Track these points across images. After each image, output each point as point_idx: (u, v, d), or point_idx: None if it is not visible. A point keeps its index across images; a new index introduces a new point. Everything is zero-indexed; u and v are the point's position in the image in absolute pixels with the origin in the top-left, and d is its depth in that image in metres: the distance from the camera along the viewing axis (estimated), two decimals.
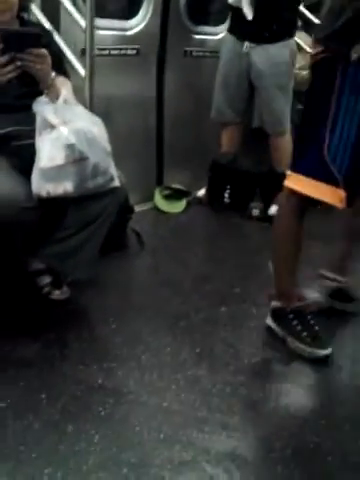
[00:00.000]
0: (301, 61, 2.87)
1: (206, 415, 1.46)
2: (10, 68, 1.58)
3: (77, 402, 1.47)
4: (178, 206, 2.84)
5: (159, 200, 2.82)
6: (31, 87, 1.71)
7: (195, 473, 1.28)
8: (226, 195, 2.86)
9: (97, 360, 1.64)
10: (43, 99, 1.68)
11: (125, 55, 2.65)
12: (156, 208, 2.80)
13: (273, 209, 2.67)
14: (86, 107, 2.03)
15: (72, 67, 2.15)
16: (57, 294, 1.93)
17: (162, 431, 1.39)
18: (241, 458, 1.33)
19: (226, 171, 2.84)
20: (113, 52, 2.60)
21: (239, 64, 2.71)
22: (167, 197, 2.85)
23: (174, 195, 2.86)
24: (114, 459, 1.30)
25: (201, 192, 2.93)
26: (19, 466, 1.26)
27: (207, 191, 2.93)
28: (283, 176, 1.70)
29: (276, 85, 2.68)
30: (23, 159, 1.67)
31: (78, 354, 1.66)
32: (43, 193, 1.63)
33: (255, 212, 2.81)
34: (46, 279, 1.93)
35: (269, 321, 1.82)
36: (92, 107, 2.14)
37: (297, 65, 2.81)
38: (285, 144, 2.72)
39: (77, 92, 1.95)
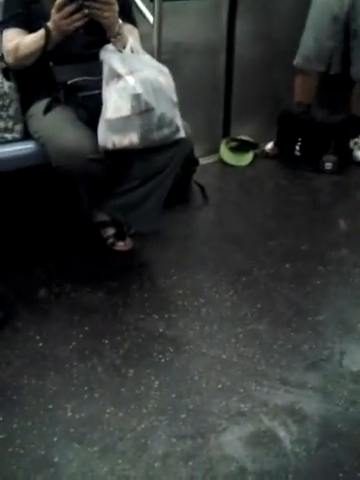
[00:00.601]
0: None
1: (265, 369, 1.46)
2: (77, 16, 1.57)
3: (138, 349, 1.52)
4: (245, 159, 2.75)
5: (225, 152, 2.75)
6: (98, 36, 1.68)
7: (252, 424, 1.30)
8: (297, 148, 2.72)
9: (158, 310, 1.67)
10: (110, 47, 1.65)
11: None
12: (222, 161, 2.73)
13: None
14: (154, 55, 1.98)
15: (140, 14, 2.09)
16: (120, 245, 1.97)
17: (220, 382, 1.41)
18: (299, 414, 1.32)
19: (298, 122, 2.69)
20: None
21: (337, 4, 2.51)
22: (234, 149, 2.76)
23: (241, 147, 2.77)
24: (173, 404, 1.34)
25: (269, 145, 2.83)
26: (83, 404, 1.34)
27: (276, 144, 2.81)
28: None
29: None
30: (90, 110, 1.67)
31: (140, 303, 1.70)
32: (109, 145, 1.63)
33: (328, 165, 2.66)
34: (110, 231, 1.97)
35: None
36: (160, 55, 2.09)
37: None
38: None
39: (145, 40, 1.91)
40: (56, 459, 1.20)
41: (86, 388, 1.38)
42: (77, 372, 1.43)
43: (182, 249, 2.02)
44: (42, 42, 1.62)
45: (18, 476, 1.17)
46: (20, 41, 1.66)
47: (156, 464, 1.20)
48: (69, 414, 1.31)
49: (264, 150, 2.81)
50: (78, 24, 1.60)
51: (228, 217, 2.26)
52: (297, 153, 2.73)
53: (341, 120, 2.66)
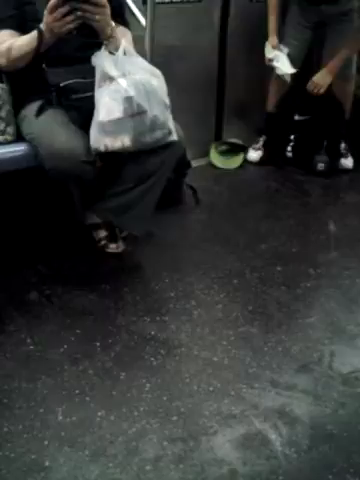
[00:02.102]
0: None
1: (256, 372, 1.46)
2: (70, 19, 1.56)
3: (130, 351, 1.52)
4: (235, 161, 2.77)
5: (215, 156, 2.76)
6: (91, 38, 1.68)
7: (243, 426, 1.30)
8: (289, 148, 2.73)
9: (150, 312, 1.67)
10: (103, 51, 1.65)
11: (188, 2, 2.54)
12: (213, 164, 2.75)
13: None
14: (146, 58, 1.98)
15: (133, 16, 2.10)
16: (112, 248, 1.97)
17: (212, 384, 1.42)
18: (290, 416, 1.33)
19: (289, 121, 2.69)
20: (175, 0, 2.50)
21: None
22: (224, 152, 2.78)
23: (231, 150, 2.79)
24: (164, 407, 1.35)
25: (255, 152, 2.82)
26: (74, 408, 1.33)
27: (264, 145, 2.82)
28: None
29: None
30: (82, 112, 1.67)
31: (132, 306, 1.70)
32: (101, 147, 1.63)
33: (320, 166, 2.66)
34: (102, 233, 1.97)
35: None
36: (152, 58, 2.09)
37: None
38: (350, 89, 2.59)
39: (137, 42, 1.91)
40: (47, 463, 1.20)
41: (77, 391, 1.38)
42: (68, 375, 1.43)
43: (174, 252, 2.02)
44: (35, 44, 1.62)
45: None
46: (12, 43, 1.66)
47: (147, 467, 1.20)
48: (60, 417, 1.31)
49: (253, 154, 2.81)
50: (71, 26, 1.59)
51: (220, 220, 2.27)
52: (289, 154, 2.74)
53: (334, 118, 2.66)
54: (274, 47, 2.60)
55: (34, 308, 1.67)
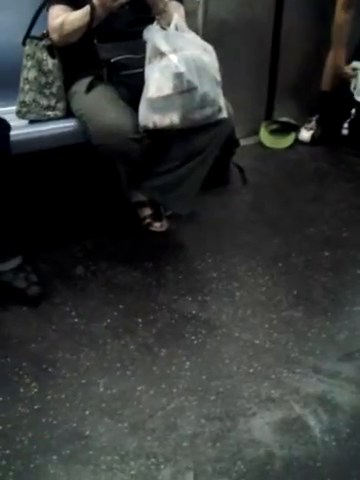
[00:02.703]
0: None
1: (298, 357, 1.44)
2: None
3: (171, 329, 1.53)
4: (285, 141, 2.69)
5: (265, 135, 2.69)
6: (144, 13, 1.67)
7: (282, 410, 1.29)
8: (345, 126, 2.61)
9: (192, 292, 1.67)
10: (154, 26, 1.63)
11: None
12: (262, 143, 2.69)
13: None
14: (198, 33, 1.94)
15: None
16: (157, 226, 1.97)
17: (252, 366, 1.41)
18: (331, 403, 1.31)
19: (346, 99, 2.57)
20: None
21: None
22: (274, 132, 2.71)
23: (282, 129, 2.71)
24: (203, 386, 1.35)
25: (308, 130, 2.73)
26: (115, 380, 1.36)
27: (318, 125, 2.72)
28: None
29: None
30: (132, 89, 1.66)
31: (174, 284, 1.71)
32: (150, 124, 1.62)
33: None
34: (147, 211, 1.98)
35: None
36: (205, 33, 2.05)
37: None
38: None
39: (190, 17, 1.88)
40: (87, 432, 1.24)
41: (118, 365, 1.41)
42: (110, 349, 1.46)
43: (218, 232, 2.00)
44: (87, 19, 1.62)
45: (51, 445, 1.21)
46: (65, 18, 1.66)
47: (184, 443, 1.21)
48: (101, 389, 1.34)
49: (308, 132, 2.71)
50: (123, 1, 1.58)
51: (267, 201, 2.22)
52: (344, 131, 2.61)
53: None
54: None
55: (79, 282, 1.71)
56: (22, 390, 1.33)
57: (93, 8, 1.61)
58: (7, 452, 1.19)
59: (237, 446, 1.21)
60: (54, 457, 1.18)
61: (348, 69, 2.48)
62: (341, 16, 2.45)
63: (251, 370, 1.40)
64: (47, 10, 1.71)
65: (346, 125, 2.61)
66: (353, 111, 2.58)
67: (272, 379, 1.37)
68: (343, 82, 2.56)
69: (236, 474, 1.15)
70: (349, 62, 2.49)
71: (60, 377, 1.37)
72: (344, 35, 2.48)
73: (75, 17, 1.65)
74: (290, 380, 1.37)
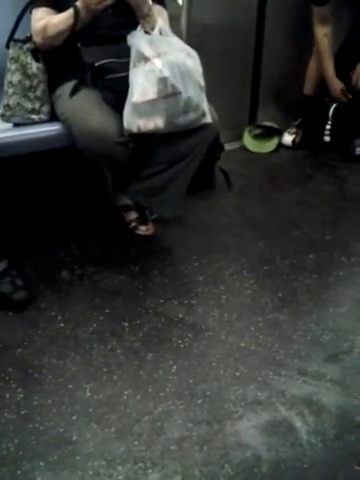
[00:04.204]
0: None
1: (284, 359, 1.45)
2: None
3: (157, 333, 1.53)
4: (269, 145, 2.72)
5: (248, 140, 2.71)
6: (127, 17, 1.67)
7: (268, 413, 1.30)
8: (327, 132, 2.65)
9: (178, 295, 1.68)
10: (138, 31, 1.64)
11: None
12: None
13: None
14: (182, 38, 1.96)
15: None
16: (143, 230, 1.97)
17: (238, 369, 1.41)
18: (316, 405, 1.32)
19: (326, 105, 2.62)
20: None
21: None
22: (257, 136, 2.73)
23: (266, 133, 2.73)
24: (190, 390, 1.35)
25: (289, 136, 2.76)
26: (102, 385, 1.36)
27: (299, 126, 2.75)
28: None
29: None
30: (116, 93, 1.66)
31: (160, 288, 1.71)
32: (134, 128, 1.62)
33: (358, 151, 2.59)
34: (133, 214, 1.98)
35: None
36: (188, 38, 2.06)
37: None
38: None
39: (173, 22, 1.88)
40: (74, 437, 1.23)
41: (105, 370, 1.40)
42: (97, 353, 1.45)
43: (204, 235, 2.01)
44: (71, 22, 1.62)
45: (37, 451, 1.19)
46: (49, 21, 1.66)
47: (172, 447, 1.21)
48: (88, 394, 1.33)
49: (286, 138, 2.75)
50: (107, 4, 1.58)
51: (251, 204, 2.24)
52: (326, 138, 2.66)
53: None
54: (341, 90, 2.53)
55: (65, 286, 1.70)
56: (8, 396, 1.32)
57: (77, 11, 1.61)
58: None
59: (224, 449, 1.21)
60: (41, 463, 1.17)
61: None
62: (318, 31, 2.51)
63: (237, 373, 1.41)
64: (30, 13, 1.71)
65: (327, 132, 2.65)
66: (329, 121, 2.61)
67: (258, 382, 1.38)
68: (325, 87, 2.61)
69: (224, 477, 1.15)
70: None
71: (46, 382, 1.36)
72: (325, 48, 2.53)
73: (59, 20, 1.65)
74: (276, 382, 1.38)
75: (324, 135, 2.65)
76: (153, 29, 1.64)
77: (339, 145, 2.64)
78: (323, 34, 2.50)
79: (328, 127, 2.63)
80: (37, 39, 1.67)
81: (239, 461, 1.18)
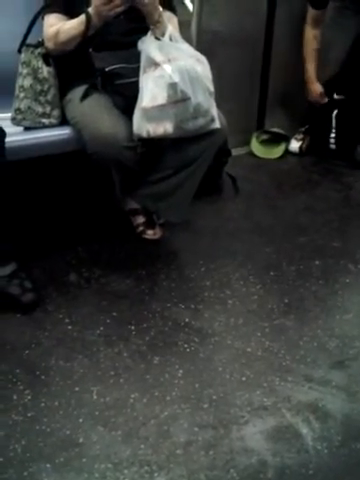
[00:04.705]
0: None
1: (290, 365, 1.45)
2: (118, 2, 1.57)
3: (164, 337, 1.53)
4: (276, 152, 2.73)
5: (256, 146, 2.72)
6: (138, 23, 1.69)
7: (274, 418, 1.30)
8: (332, 141, 2.67)
9: (185, 300, 1.68)
10: (149, 36, 1.65)
11: None
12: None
13: None
14: (192, 44, 1.97)
15: (180, 1, 2.08)
16: (150, 234, 1.98)
17: (244, 374, 1.42)
18: (322, 411, 1.32)
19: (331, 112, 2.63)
20: None
21: None
22: (265, 142, 2.74)
23: (273, 139, 2.74)
24: (196, 394, 1.36)
25: (296, 142, 2.77)
26: (108, 388, 1.36)
27: (308, 135, 2.76)
28: None
29: None
30: (126, 98, 1.67)
31: (167, 292, 1.71)
32: (143, 133, 1.63)
33: None
34: (141, 219, 1.99)
35: None
36: (198, 44, 2.08)
37: None
38: None
39: (183, 28, 1.90)
40: (81, 440, 1.23)
41: (112, 373, 1.41)
42: (104, 356, 1.46)
43: (211, 240, 2.02)
44: (82, 28, 1.63)
45: (44, 453, 1.20)
46: (61, 27, 1.68)
47: (178, 451, 1.22)
48: (95, 397, 1.34)
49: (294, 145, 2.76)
50: (119, 10, 1.60)
51: (259, 210, 2.25)
52: (332, 146, 2.67)
53: None
54: (320, 94, 2.57)
55: (73, 289, 1.71)
56: (15, 397, 1.33)
57: (89, 17, 1.62)
58: (0, 460, 1.18)
59: (230, 454, 1.21)
60: (47, 465, 1.17)
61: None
62: (309, 32, 2.54)
63: (244, 378, 1.41)
64: (42, 18, 1.73)
65: (332, 140, 2.67)
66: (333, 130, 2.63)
67: (264, 387, 1.38)
68: (330, 92, 2.62)
69: None
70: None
71: (53, 384, 1.37)
72: (311, 50, 2.56)
73: (71, 26, 1.67)
74: (282, 388, 1.38)
75: (329, 144, 2.67)
76: (163, 35, 1.65)
77: (345, 152, 2.65)
78: (313, 36, 2.54)
79: (333, 135, 2.65)
80: (49, 44, 1.69)
81: (244, 466, 1.19)
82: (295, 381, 1.40)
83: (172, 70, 1.60)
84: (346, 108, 2.62)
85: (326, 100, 2.60)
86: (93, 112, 1.68)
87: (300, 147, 2.75)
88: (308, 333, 1.57)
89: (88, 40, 1.67)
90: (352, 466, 1.20)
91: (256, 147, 2.73)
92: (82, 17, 1.64)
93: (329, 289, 1.77)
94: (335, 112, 2.64)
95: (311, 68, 2.59)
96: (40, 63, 1.70)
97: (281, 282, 1.79)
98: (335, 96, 2.65)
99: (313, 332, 1.57)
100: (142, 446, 1.23)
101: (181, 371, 1.42)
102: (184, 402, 1.33)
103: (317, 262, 1.90)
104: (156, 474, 1.16)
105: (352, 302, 1.72)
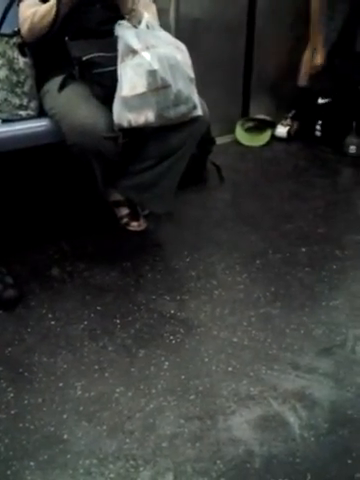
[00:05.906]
0: None
1: (276, 353, 1.44)
2: None
3: (149, 329, 1.52)
4: (261, 139, 2.70)
5: (240, 133, 2.69)
6: (114, 12, 1.65)
7: (261, 408, 1.29)
8: (318, 128, 2.65)
9: (170, 291, 1.66)
10: (126, 23, 1.62)
11: None
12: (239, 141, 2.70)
13: None
14: (171, 31, 1.93)
15: None
16: (134, 225, 1.96)
17: (231, 364, 1.41)
18: (309, 399, 1.31)
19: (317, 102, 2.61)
20: None
21: None
22: (250, 129, 2.71)
23: (258, 127, 2.71)
24: (182, 386, 1.34)
25: (283, 127, 2.75)
26: (93, 383, 1.35)
27: (295, 121, 2.74)
28: None
29: None
30: (105, 87, 1.64)
31: (152, 284, 1.70)
32: (124, 123, 1.60)
33: (352, 149, 2.58)
34: (124, 210, 1.96)
35: None
36: (178, 32, 2.04)
37: None
38: None
39: (162, 15, 1.86)
40: (65, 436, 1.22)
41: (96, 367, 1.39)
42: (88, 351, 1.44)
43: (196, 230, 2.00)
44: (54, 11, 1.59)
45: (28, 450, 1.18)
46: (34, 12, 1.64)
47: (164, 444, 1.20)
48: (79, 392, 1.32)
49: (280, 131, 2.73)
50: None
51: (244, 199, 2.22)
52: (317, 133, 2.65)
53: None
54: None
55: (56, 284, 1.69)
56: None
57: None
58: None
59: (217, 445, 1.20)
60: (31, 463, 1.16)
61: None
62: (315, 1, 2.50)
63: (230, 368, 1.40)
64: (17, 5, 1.69)
65: (318, 128, 2.64)
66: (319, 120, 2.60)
67: (251, 377, 1.37)
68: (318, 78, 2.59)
69: (216, 473, 1.14)
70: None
71: (37, 381, 1.35)
72: (318, 20, 2.52)
73: (43, 10, 1.64)
74: (269, 377, 1.37)
75: (315, 131, 2.65)
76: (140, 23, 1.62)
77: (331, 141, 2.63)
78: (320, 5, 2.50)
79: (319, 122, 2.63)
80: (23, 30, 1.65)
81: (231, 457, 1.18)
82: (281, 369, 1.40)
83: (151, 57, 1.57)
84: (334, 98, 2.59)
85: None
86: (71, 103, 1.65)
87: (288, 131, 2.72)
88: (294, 321, 1.56)
89: (64, 28, 1.64)
90: (339, 453, 1.19)
91: (241, 135, 2.70)
92: (53, 0, 1.60)
93: (315, 276, 1.75)
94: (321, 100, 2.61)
95: (320, 37, 2.54)
96: (16, 53, 1.66)
97: (267, 270, 1.78)
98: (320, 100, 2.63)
99: (299, 320, 1.56)
100: (127, 440, 1.21)
101: (167, 363, 1.41)
102: (170, 394, 1.32)
103: (303, 249, 1.89)
104: (142, 468, 1.15)
105: (339, 288, 1.71)
